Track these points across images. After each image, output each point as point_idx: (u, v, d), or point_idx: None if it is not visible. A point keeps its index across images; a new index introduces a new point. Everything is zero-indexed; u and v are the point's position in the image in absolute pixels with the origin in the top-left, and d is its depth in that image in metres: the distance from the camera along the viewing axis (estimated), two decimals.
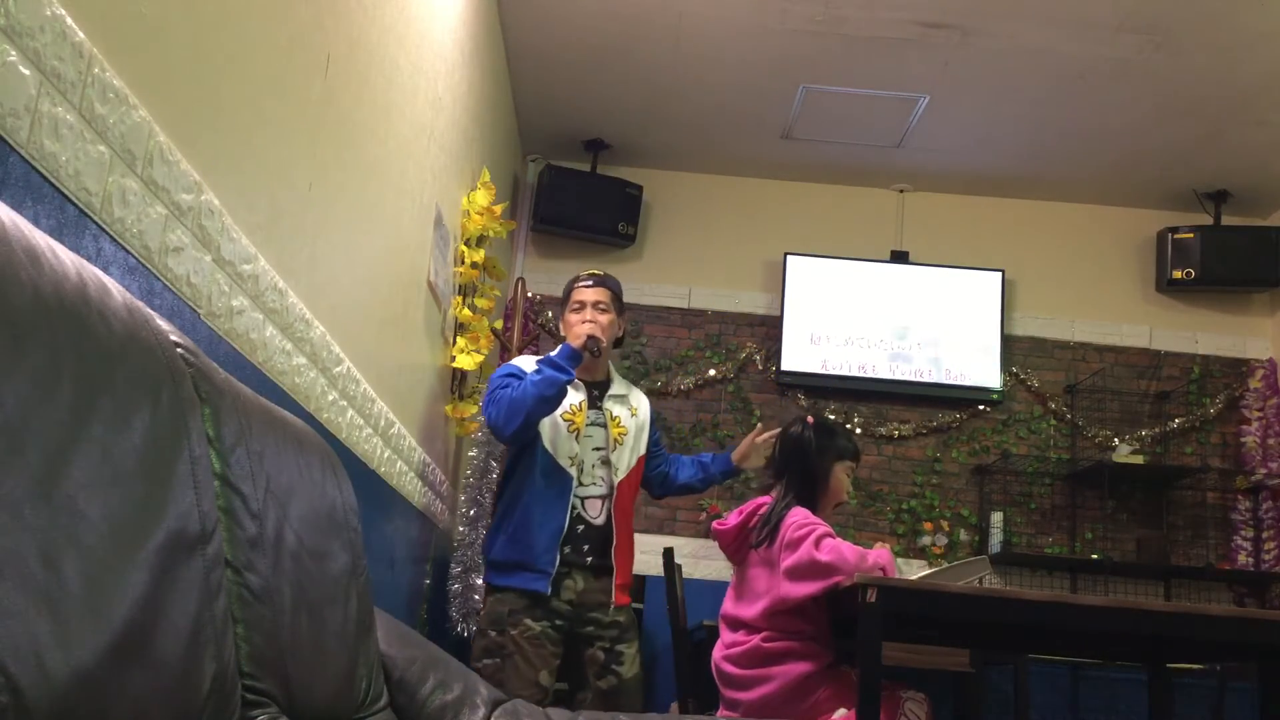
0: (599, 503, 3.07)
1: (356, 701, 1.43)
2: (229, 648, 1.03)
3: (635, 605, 3.63)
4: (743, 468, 3.29)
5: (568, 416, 3.06)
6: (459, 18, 3.50)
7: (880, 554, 2.47)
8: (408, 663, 1.66)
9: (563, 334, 3.18)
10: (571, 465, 3.03)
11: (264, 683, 1.12)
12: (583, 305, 3.13)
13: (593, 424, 3.11)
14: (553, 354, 3.00)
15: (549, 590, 2.94)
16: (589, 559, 3.02)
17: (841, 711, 2.43)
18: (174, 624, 0.90)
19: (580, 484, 3.05)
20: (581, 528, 3.03)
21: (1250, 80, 4.35)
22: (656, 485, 3.31)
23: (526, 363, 3.10)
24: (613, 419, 3.14)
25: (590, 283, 3.17)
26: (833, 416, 5.32)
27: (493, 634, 2.95)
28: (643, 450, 3.20)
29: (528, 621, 2.93)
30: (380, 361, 2.81)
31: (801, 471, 2.69)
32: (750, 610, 2.59)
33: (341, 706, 1.37)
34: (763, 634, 2.55)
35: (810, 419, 2.80)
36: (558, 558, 2.97)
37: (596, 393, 3.16)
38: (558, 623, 2.96)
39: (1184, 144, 4.92)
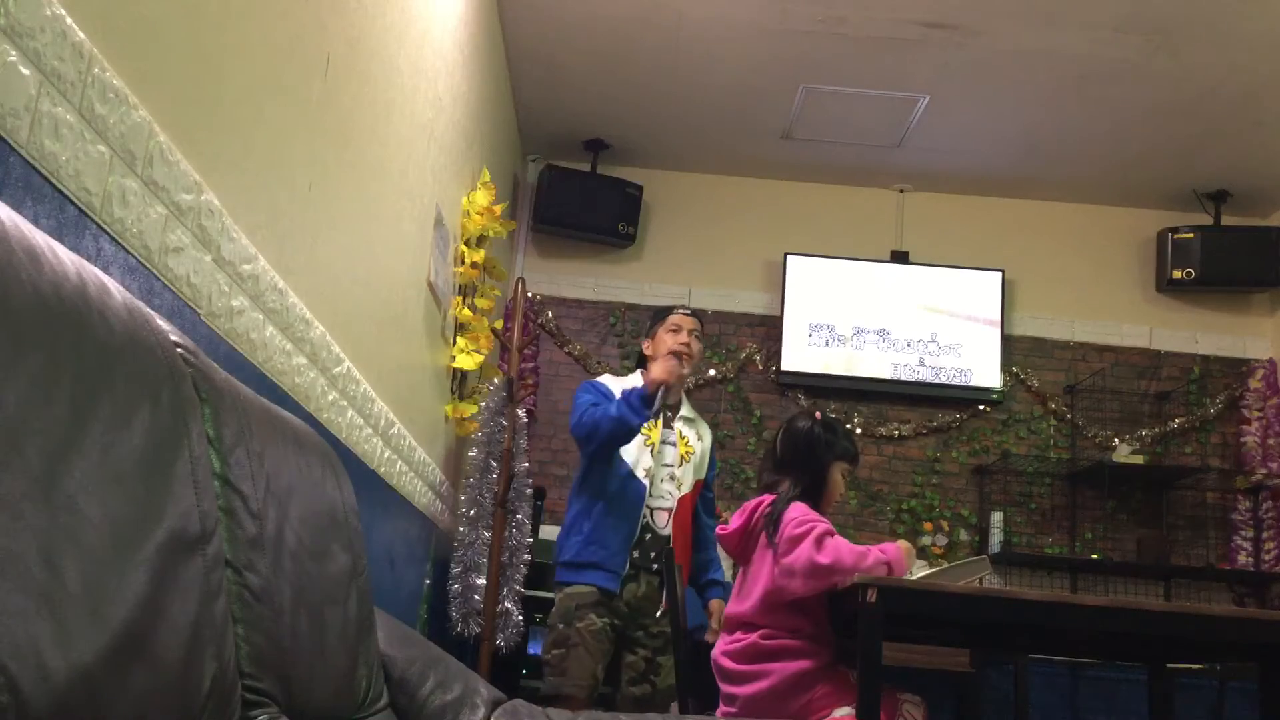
0: (665, 514, 3.33)
1: (356, 701, 1.43)
2: (229, 648, 1.03)
3: None
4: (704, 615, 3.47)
5: (645, 430, 3.28)
6: (459, 18, 3.50)
7: (888, 549, 2.45)
8: (408, 663, 1.66)
9: (647, 349, 3.44)
10: (645, 476, 3.29)
11: (264, 683, 1.12)
12: (679, 328, 3.40)
13: (664, 442, 3.37)
14: (633, 394, 3.20)
15: (618, 588, 3.21)
16: (654, 565, 3.27)
17: (844, 710, 2.42)
18: (174, 624, 0.90)
19: (651, 495, 3.30)
20: (649, 536, 3.30)
21: (1250, 80, 4.35)
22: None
23: (614, 384, 3.36)
24: (682, 438, 3.40)
25: (689, 311, 3.47)
26: (833, 416, 5.32)
27: (561, 626, 3.22)
28: (702, 475, 3.45)
29: (592, 616, 3.19)
30: (380, 361, 2.81)
31: (807, 468, 2.69)
32: (748, 603, 2.58)
33: (341, 706, 1.37)
34: (761, 631, 2.54)
35: (818, 414, 2.80)
36: (627, 560, 3.23)
37: (670, 413, 3.39)
38: (615, 622, 3.23)
39: (1184, 144, 4.92)
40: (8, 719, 0.66)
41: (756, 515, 2.64)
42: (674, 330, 3.40)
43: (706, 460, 3.48)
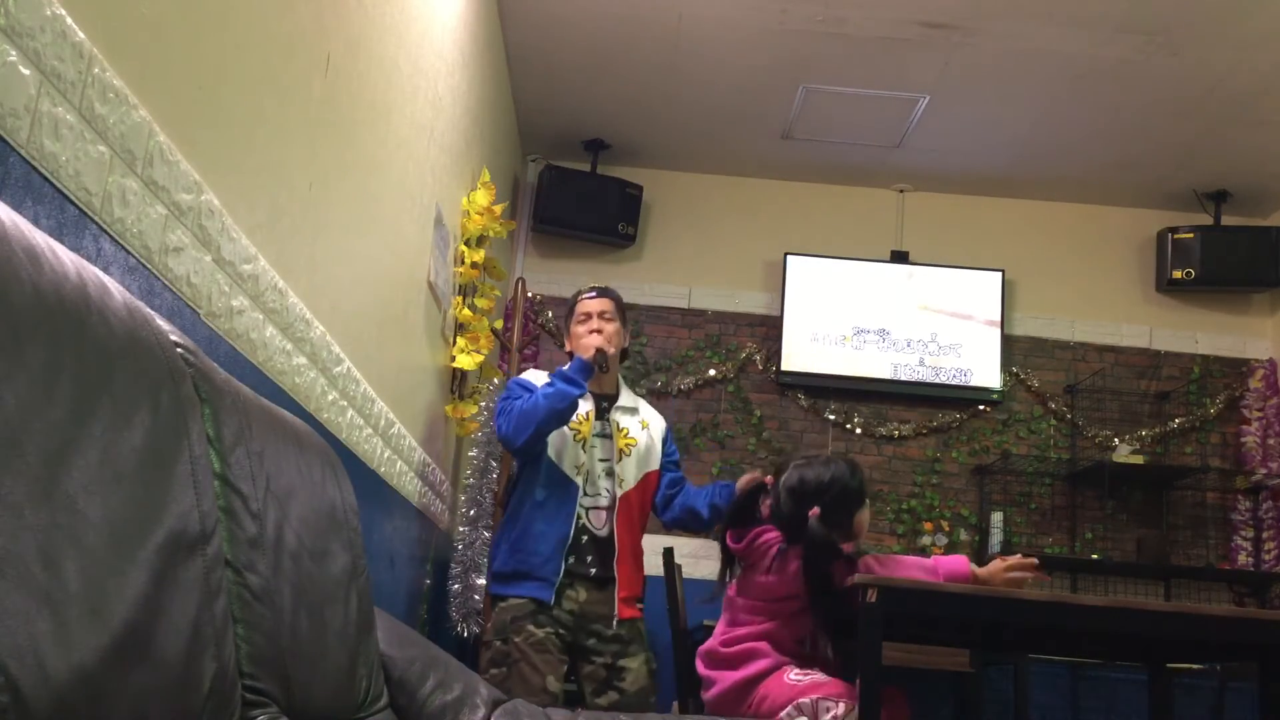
0: (603, 514, 3.08)
1: (356, 701, 1.43)
2: (229, 648, 1.03)
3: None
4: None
5: (574, 426, 3.06)
6: (459, 18, 3.50)
7: (941, 563, 2.47)
8: (408, 663, 1.66)
9: (567, 347, 3.22)
10: (577, 474, 3.05)
11: (264, 683, 1.12)
12: (589, 316, 3.15)
13: (599, 435, 3.12)
14: (564, 368, 3.04)
15: (552, 599, 2.95)
16: (592, 570, 3.02)
17: (796, 675, 2.44)
18: (174, 624, 0.90)
19: (585, 494, 3.06)
20: (585, 538, 3.04)
21: (1250, 80, 4.35)
22: (661, 505, 3.23)
23: (537, 376, 3.14)
24: (619, 430, 3.15)
25: (593, 294, 3.21)
26: (832, 416, 5.32)
27: (498, 643, 2.97)
28: (654, 465, 3.18)
29: (530, 628, 2.94)
30: (380, 361, 2.81)
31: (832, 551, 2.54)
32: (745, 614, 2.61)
33: (341, 706, 1.37)
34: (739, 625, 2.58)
35: (815, 510, 2.48)
36: (562, 566, 2.98)
37: (605, 404, 3.17)
38: (560, 631, 2.97)
39: (1184, 144, 4.92)
40: (8, 719, 0.66)
41: (759, 540, 2.60)
42: (583, 320, 3.15)
43: (657, 451, 3.19)
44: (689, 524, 3.22)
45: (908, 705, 2.50)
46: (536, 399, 2.95)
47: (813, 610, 2.47)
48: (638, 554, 3.14)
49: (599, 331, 3.10)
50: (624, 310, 3.25)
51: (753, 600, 2.58)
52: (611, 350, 3.10)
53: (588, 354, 3.04)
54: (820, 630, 2.50)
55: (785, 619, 2.53)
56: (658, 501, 3.23)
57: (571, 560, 3.00)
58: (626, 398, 3.24)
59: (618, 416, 3.17)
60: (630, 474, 3.12)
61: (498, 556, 3.09)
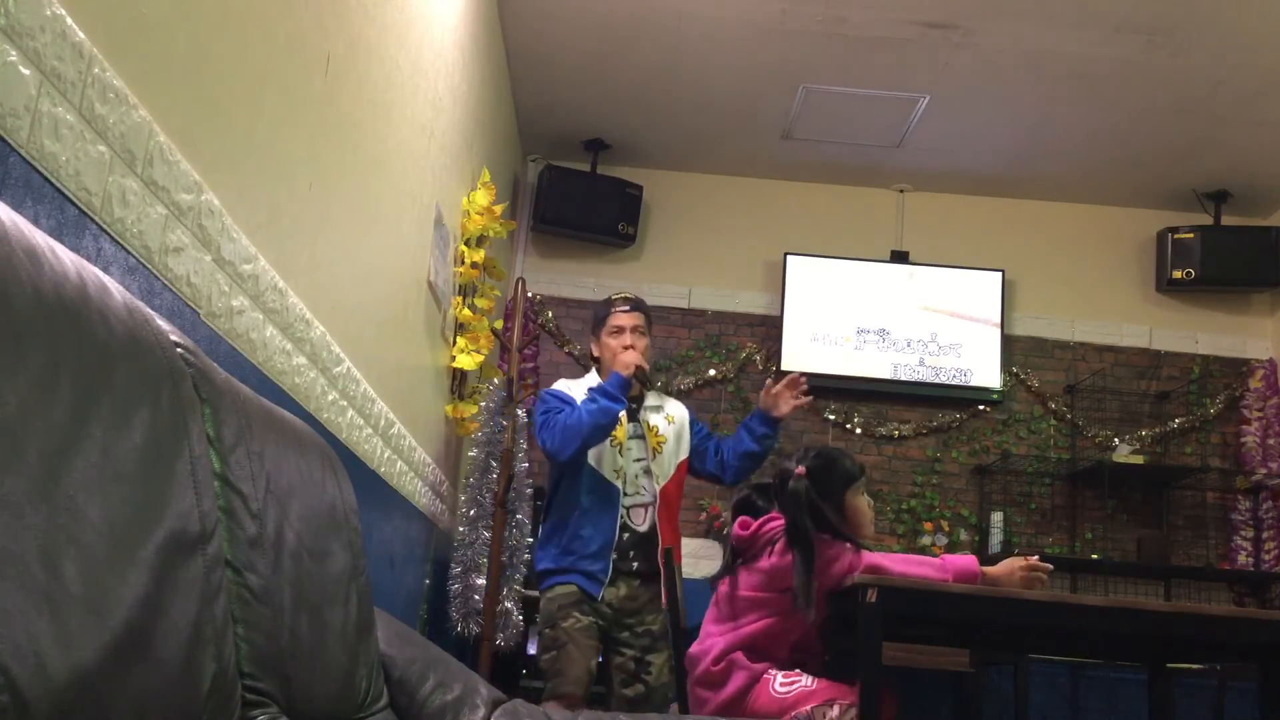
0: (643, 511, 3.23)
1: (356, 701, 1.43)
2: (229, 648, 1.03)
3: None
4: (779, 416, 3.28)
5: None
6: (459, 18, 3.50)
7: (949, 562, 2.47)
8: (408, 663, 1.66)
9: (593, 354, 3.37)
10: (617, 478, 3.21)
11: (264, 683, 1.12)
12: (621, 330, 3.28)
13: (633, 437, 3.26)
14: (605, 383, 3.18)
15: (600, 595, 3.14)
16: (635, 565, 3.19)
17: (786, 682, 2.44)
18: (174, 624, 0.90)
19: (625, 494, 3.21)
20: (627, 535, 3.20)
21: (1250, 80, 4.35)
22: (719, 472, 3.37)
23: (571, 387, 3.28)
24: (650, 429, 3.29)
25: (627, 308, 3.33)
26: (832, 416, 5.32)
27: (548, 631, 3.15)
28: (684, 454, 3.34)
29: (576, 614, 3.12)
30: (380, 361, 2.81)
31: (817, 523, 2.48)
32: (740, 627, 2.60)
33: (341, 706, 1.37)
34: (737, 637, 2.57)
35: (801, 468, 2.53)
36: (609, 567, 3.15)
37: (634, 406, 3.29)
38: (600, 622, 3.15)
39: (1184, 144, 4.92)
40: (7, 719, 0.66)
41: (765, 525, 2.60)
42: (615, 333, 3.28)
43: (686, 440, 3.34)
44: (752, 468, 3.36)
45: (896, 699, 2.50)
46: (580, 415, 3.11)
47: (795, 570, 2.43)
48: (676, 541, 3.27)
49: (633, 347, 3.24)
50: (651, 321, 3.40)
51: (756, 592, 2.56)
52: (647, 367, 3.26)
53: (628, 371, 3.17)
54: (803, 596, 2.41)
55: (786, 613, 2.52)
56: (713, 470, 3.38)
57: (615, 558, 3.17)
58: (652, 396, 3.38)
59: (647, 416, 3.31)
60: (665, 469, 3.27)
61: (545, 559, 3.23)
